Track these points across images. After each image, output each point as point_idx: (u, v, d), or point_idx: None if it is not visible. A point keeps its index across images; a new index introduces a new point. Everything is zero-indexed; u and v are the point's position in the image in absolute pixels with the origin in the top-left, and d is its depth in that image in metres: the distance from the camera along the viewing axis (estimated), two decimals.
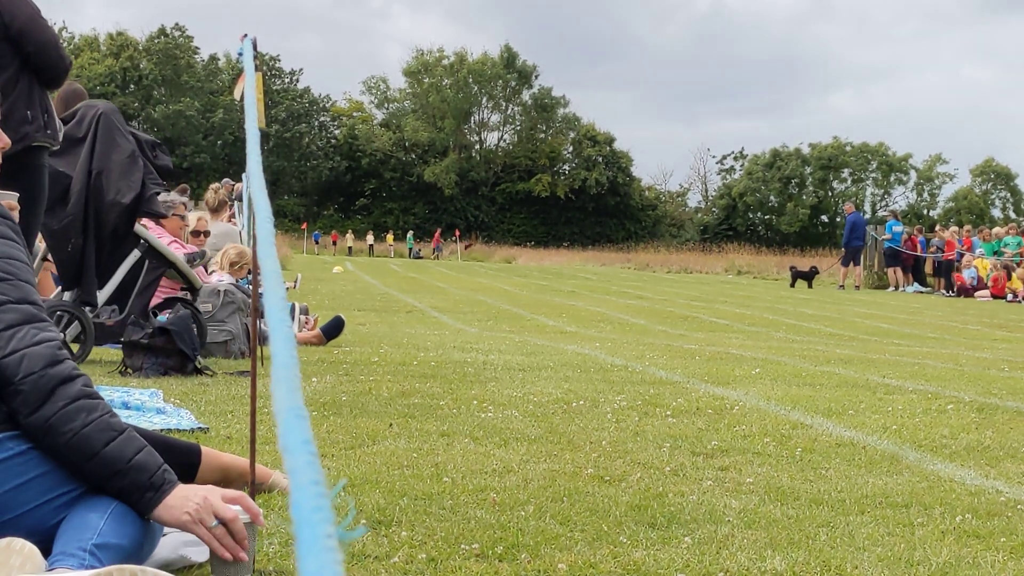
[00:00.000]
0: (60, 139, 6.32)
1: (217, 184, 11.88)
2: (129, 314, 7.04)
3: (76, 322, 6.81)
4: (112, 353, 7.41)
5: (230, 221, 12.34)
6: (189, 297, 7.60)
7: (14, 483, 2.54)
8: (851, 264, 28.16)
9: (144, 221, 8.52)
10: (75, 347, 6.92)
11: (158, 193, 7.17)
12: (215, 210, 11.59)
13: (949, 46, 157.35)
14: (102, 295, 7.03)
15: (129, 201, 6.82)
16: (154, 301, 7.58)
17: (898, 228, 28.42)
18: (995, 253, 26.73)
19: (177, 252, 7.68)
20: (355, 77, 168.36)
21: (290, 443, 0.86)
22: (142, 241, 7.15)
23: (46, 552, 2.40)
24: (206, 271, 8.76)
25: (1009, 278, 24.47)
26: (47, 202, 6.42)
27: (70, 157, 6.87)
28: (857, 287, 27.73)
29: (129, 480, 2.49)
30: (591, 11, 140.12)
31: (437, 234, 64.03)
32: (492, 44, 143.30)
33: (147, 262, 7.23)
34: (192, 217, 9.55)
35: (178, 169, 73.29)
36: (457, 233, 64.74)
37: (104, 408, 2.54)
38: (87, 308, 6.88)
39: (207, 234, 9.79)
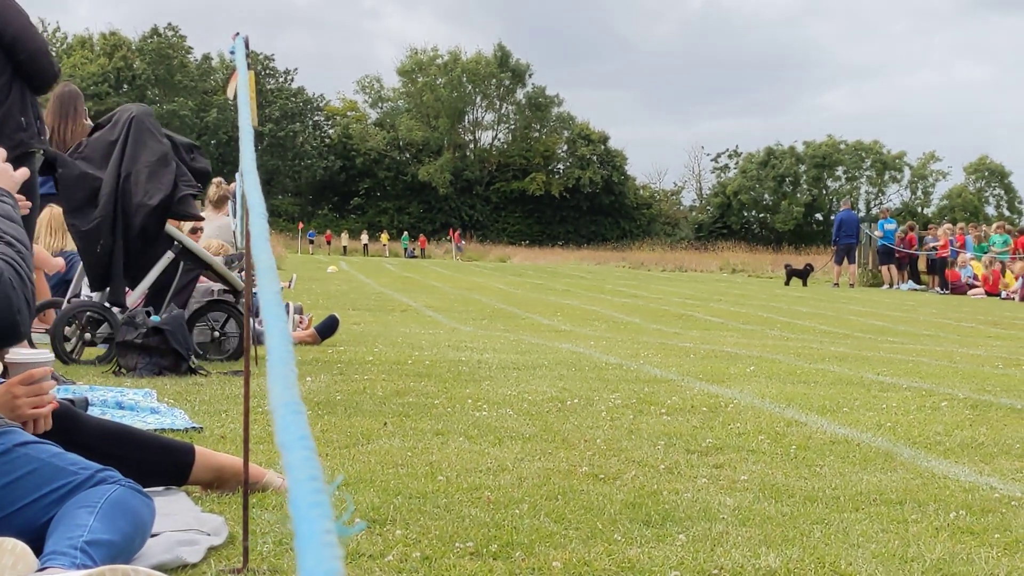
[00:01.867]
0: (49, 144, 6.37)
1: (220, 179, 11.86)
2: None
3: (105, 323, 6.85)
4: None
5: None
6: (232, 299, 7.57)
7: (1, 483, 2.53)
8: (844, 261, 28.23)
9: None
10: (102, 350, 6.96)
11: (194, 195, 7.16)
12: (216, 204, 11.55)
13: (941, 44, 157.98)
14: (134, 296, 7.03)
15: (157, 203, 6.82)
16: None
17: (890, 226, 28.47)
18: (984, 252, 26.78)
19: (215, 255, 7.68)
20: (346, 76, 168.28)
21: (287, 439, 0.86)
22: (176, 243, 7.14)
23: (37, 551, 2.40)
24: None
25: (1003, 275, 24.50)
26: (76, 204, 6.56)
27: (102, 160, 6.90)
28: (851, 285, 27.79)
29: None
30: (583, 10, 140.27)
31: (456, 234, 62.65)
32: (484, 43, 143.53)
33: (182, 264, 7.22)
34: (212, 190, 9.58)
35: None
36: (451, 232, 64.55)
37: None
38: (116, 309, 6.90)
39: (200, 230, 9.78)
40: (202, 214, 9.76)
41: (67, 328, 6.84)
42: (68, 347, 6.84)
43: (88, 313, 6.86)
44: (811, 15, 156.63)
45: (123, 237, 6.88)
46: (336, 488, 3.15)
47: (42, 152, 6.26)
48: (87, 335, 6.90)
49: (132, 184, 6.85)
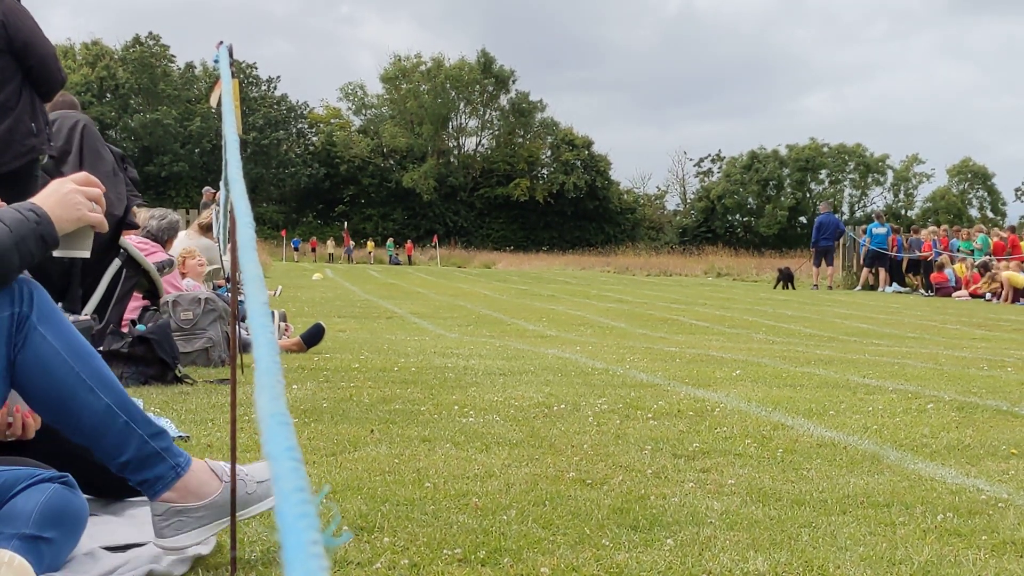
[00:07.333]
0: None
1: (208, 188, 11.90)
2: (108, 323, 7.01)
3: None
4: None
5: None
6: (151, 305, 7.53)
7: None
8: (822, 263, 28.53)
9: (132, 235, 8.51)
10: None
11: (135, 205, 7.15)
12: (204, 229, 11.58)
13: (921, 46, 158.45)
14: (89, 305, 6.98)
15: (121, 213, 6.80)
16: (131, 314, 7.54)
17: (879, 230, 28.57)
18: (972, 252, 26.89)
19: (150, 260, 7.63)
20: (325, 83, 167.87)
21: (274, 449, 0.86)
22: (122, 251, 7.10)
23: None
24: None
25: (982, 276, 24.57)
26: None
27: (55, 169, 6.84)
28: (830, 287, 28.06)
29: (30, 241, 2.51)
30: (564, 15, 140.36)
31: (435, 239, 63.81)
32: (466, 49, 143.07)
33: (124, 271, 7.17)
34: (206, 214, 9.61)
35: (156, 178, 73.05)
36: (436, 239, 64.62)
37: None
38: (71, 317, 6.83)
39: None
40: (184, 234, 9.76)
41: None
42: None
43: None
44: (787, 18, 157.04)
45: None
46: (323, 498, 3.13)
47: (48, 156, 6.26)
48: None
49: None
